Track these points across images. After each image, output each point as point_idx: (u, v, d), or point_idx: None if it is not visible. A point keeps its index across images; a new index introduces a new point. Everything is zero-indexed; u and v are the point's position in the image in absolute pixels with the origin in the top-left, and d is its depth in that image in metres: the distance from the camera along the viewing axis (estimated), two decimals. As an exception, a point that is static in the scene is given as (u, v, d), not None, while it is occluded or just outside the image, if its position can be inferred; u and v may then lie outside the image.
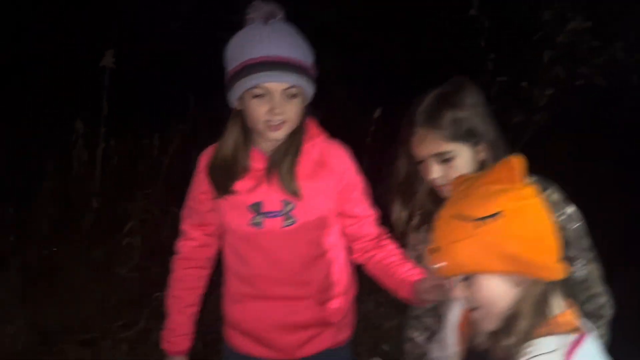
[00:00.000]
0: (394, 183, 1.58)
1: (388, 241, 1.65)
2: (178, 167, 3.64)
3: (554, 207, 1.31)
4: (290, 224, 1.52)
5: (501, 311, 1.03)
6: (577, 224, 1.46)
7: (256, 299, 1.58)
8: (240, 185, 1.53)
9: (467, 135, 1.43)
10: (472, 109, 1.44)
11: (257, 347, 1.61)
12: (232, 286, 1.62)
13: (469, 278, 1.04)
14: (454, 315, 1.25)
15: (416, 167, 1.51)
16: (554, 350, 0.98)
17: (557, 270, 1.01)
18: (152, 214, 3.60)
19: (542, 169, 1.39)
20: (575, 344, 0.99)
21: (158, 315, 1.89)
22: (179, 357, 1.67)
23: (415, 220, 1.58)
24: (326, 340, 1.62)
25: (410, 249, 1.63)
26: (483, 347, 1.10)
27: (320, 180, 1.54)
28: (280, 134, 1.48)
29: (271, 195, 1.51)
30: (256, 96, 1.43)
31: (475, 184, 1.07)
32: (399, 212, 1.58)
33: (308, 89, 1.50)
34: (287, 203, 1.51)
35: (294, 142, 1.52)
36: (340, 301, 1.64)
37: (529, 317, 1.01)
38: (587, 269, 1.44)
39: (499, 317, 1.04)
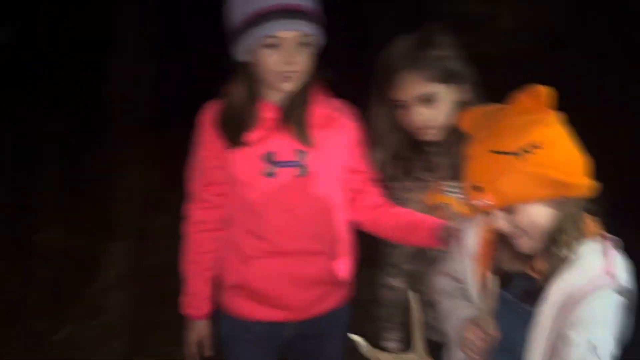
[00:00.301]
0: (372, 133, 1.61)
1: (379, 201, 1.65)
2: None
3: None
4: (304, 174, 1.50)
5: (544, 233, 1.11)
6: None
7: (270, 255, 1.53)
8: (252, 135, 1.50)
9: (450, 76, 1.48)
10: (452, 50, 1.51)
11: (265, 309, 1.57)
12: (243, 244, 1.55)
13: (512, 208, 1.10)
14: (472, 243, 1.30)
15: (394, 115, 1.55)
16: (593, 253, 1.12)
17: (588, 187, 1.09)
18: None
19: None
20: (607, 245, 1.14)
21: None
22: (202, 321, 1.64)
23: (397, 170, 1.61)
24: (333, 299, 1.62)
25: (394, 198, 1.64)
26: (512, 269, 1.20)
27: (332, 131, 1.54)
28: (292, 85, 1.46)
29: (284, 145, 1.49)
30: (269, 46, 1.40)
31: (501, 117, 1.10)
32: (380, 162, 1.61)
33: (320, 38, 1.48)
34: (300, 152, 1.49)
35: (305, 92, 1.50)
36: (348, 260, 1.64)
37: (570, 232, 1.12)
38: None
39: (542, 238, 1.12)
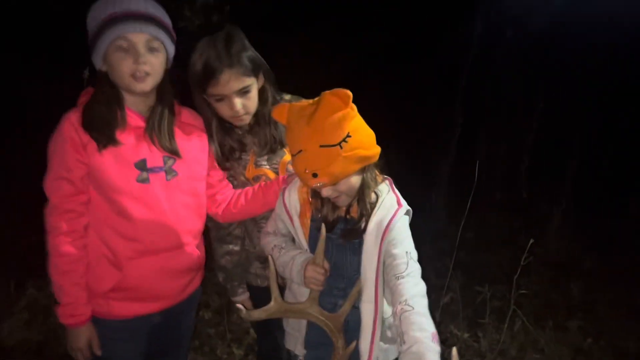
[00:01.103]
0: (209, 129, 1.81)
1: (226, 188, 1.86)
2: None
3: None
4: (173, 177, 1.64)
5: (356, 190, 1.54)
6: None
7: (144, 254, 1.62)
8: (123, 137, 1.56)
9: (255, 69, 1.74)
10: (251, 47, 1.76)
11: (141, 305, 1.66)
12: (116, 248, 1.60)
13: (338, 182, 1.48)
14: (295, 204, 1.66)
15: (213, 108, 1.77)
16: (387, 192, 1.59)
17: (378, 152, 1.51)
18: None
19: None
20: (389, 184, 1.62)
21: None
22: (85, 327, 1.63)
23: (224, 155, 1.84)
24: (196, 282, 1.81)
25: (231, 177, 1.89)
26: (333, 218, 1.60)
27: (193, 137, 1.71)
28: (145, 86, 1.55)
29: (153, 152, 1.60)
30: (120, 50, 1.51)
31: (319, 115, 1.40)
32: (216, 151, 1.82)
33: (169, 46, 1.60)
34: (167, 159, 1.63)
35: (165, 103, 1.63)
36: (203, 246, 1.81)
37: (372, 186, 1.57)
38: None
39: (355, 194, 1.55)
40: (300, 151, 1.43)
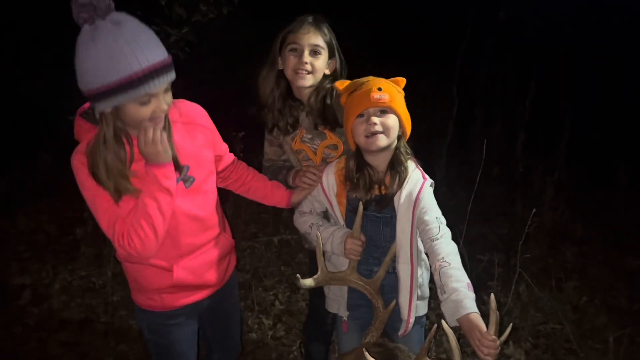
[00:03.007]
0: (262, 97, 2.11)
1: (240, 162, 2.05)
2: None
3: None
4: (191, 183, 1.71)
5: (394, 137, 1.81)
6: None
7: (185, 256, 1.76)
8: (136, 167, 1.58)
9: (331, 48, 2.05)
10: (332, 34, 2.07)
11: (193, 294, 1.83)
12: (162, 255, 1.69)
13: (386, 112, 1.79)
14: (332, 183, 1.92)
15: (278, 79, 2.08)
16: (414, 169, 1.86)
17: (410, 130, 1.87)
18: None
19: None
20: (415, 162, 1.89)
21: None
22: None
23: (278, 123, 2.12)
24: (233, 262, 1.99)
25: (279, 147, 2.20)
26: (364, 197, 1.84)
27: (196, 137, 1.75)
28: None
29: None
30: (141, 102, 1.46)
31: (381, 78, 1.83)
32: (269, 119, 2.14)
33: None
34: (179, 171, 1.65)
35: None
36: (229, 228, 1.97)
37: (404, 157, 1.85)
38: None
39: (391, 140, 1.81)
40: (368, 80, 1.79)
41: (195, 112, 1.79)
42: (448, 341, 1.47)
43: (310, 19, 2.03)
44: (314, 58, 2.01)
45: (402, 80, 1.86)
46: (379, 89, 1.76)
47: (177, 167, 1.63)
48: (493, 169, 4.65)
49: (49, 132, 4.67)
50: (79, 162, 1.55)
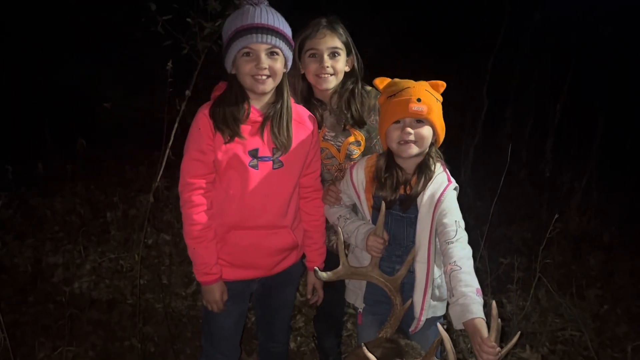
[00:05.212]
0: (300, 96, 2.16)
1: (316, 196, 2.10)
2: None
3: None
4: (279, 167, 1.90)
5: (425, 148, 1.86)
6: None
7: (247, 228, 1.92)
8: (243, 128, 1.84)
9: (347, 47, 2.11)
10: (347, 32, 2.13)
11: (243, 271, 1.97)
12: (222, 220, 1.90)
13: (422, 122, 1.82)
14: (361, 179, 1.95)
15: (302, 82, 2.14)
16: (441, 172, 1.90)
17: (443, 138, 1.91)
18: None
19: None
20: (442, 165, 1.93)
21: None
22: (217, 284, 1.92)
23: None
24: (292, 258, 2.08)
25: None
26: (389, 197, 1.88)
27: (300, 134, 1.94)
28: (265, 87, 1.82)
29: (265, 143, 1.87)
30: (245, 54, 1.78)
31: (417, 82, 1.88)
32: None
33: (287, 53, 1.84)
34: (276, 150, 1.89)
35: (282, 103, 1.89)
36: (301, 229, 2.09)
37: (433, 160, 1.89)
38: None
39: (421, 151, 1.86)
40: (408, 87, 1.81)
41: (306, 115, 2.02)
42: (463, 342, 1.51)
43: (324, 21, 2.09)
44: (333, 60, 2.07)
45: (442, 85, 1.90)
46: (418, 100, 1.79)
47: (278, 144, 1.88)
48: (521, 172, 4.62)
49: (87, 120, 4.88)
50: (200, 112, 1.87)
